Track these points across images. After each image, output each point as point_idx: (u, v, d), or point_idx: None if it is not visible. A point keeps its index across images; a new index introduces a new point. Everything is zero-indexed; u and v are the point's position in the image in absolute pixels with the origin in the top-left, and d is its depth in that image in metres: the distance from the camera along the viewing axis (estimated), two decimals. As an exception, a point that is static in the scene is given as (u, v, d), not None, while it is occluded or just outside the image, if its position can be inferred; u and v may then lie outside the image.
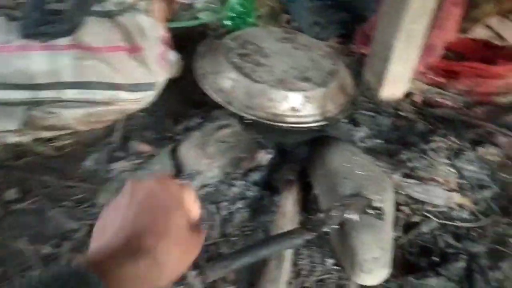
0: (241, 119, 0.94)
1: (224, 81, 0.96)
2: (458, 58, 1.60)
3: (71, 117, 1.01)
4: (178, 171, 0.95)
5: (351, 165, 0.89)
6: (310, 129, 0.95)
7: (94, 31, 0.97)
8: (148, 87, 1.04)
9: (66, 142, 1.06)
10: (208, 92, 0.96)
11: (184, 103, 1.19)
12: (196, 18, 1.42)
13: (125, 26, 1.01)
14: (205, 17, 1.62)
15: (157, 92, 1.08)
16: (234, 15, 1.58)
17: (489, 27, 1.64)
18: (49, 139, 1.06)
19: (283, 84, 0.93)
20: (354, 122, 1.21)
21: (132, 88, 1.02)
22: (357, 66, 1.46)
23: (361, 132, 1.18)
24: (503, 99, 1.41)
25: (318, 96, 0.95)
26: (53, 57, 0.95)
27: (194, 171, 0.92)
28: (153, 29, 1.07)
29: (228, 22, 1.59)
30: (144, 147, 1.04)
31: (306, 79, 0.96)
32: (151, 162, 0.99)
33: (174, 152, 0.99)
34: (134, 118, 1.14)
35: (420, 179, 0.99)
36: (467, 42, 1.63)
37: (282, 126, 0.92)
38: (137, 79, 1.02)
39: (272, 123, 0.91)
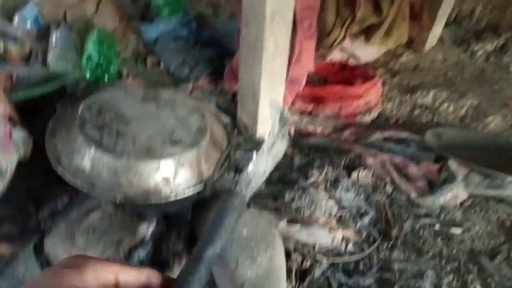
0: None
1: (82, 161, 0.86)
2: (322, 82, 1.71)
3: None
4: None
5: (236, 226, 0.86)
6: (188, 197, 0.90)
7: None
8: (-6, 176, 0.89)
9: None
10: (65, 176, 0.85)
11: (45, 182, 1.05)
12: (48, 79, 1.27)
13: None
14: (60, 70, 1.48)
15: (7, 179, 0.93)
16: (93, 66, 1.47)
17: (343, 49, 1.78)
18: None
19: (151, 153, 0.87)
20: (236, 169, 1.19)
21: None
22: (231, 105, 1.46)
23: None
24: (366, 119, 1.52)
25: (191, 159, 0.90)
26: None
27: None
28: (-11, 108, 0.92)
29: (88, 75, 1.47)
30: (3, 248, 0.88)
31: (175, 142, 0.91)
32: (13, 265, 0.84)
33: (39, 248, 0.85)
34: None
35: (305, 221, 1.01)
36: (327, 66, 1.75)
37: (156, 202, 0.85)
38: (-22, 170, 0.86)
39: (144, 202, 0.84)
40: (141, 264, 0.87)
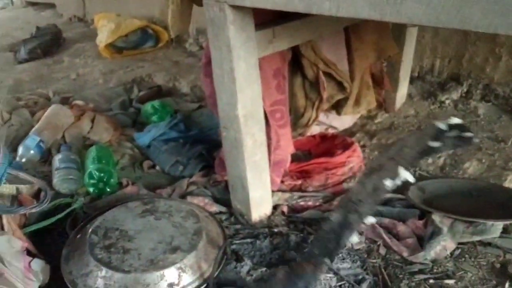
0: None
1: (96, 282, 0.95)
2: (307, 156, 1.84)
3: None
4: None
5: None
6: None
7: None
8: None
9: None
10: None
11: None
12: (55, 205, 1.39)
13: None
14: (65, 190, 1.61)
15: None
16: (95, 181, 1.60)
17: (320, 122, 1.93)
18: None
19: (155, 264, 0.97)
20: (237, 257, 1.27)
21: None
22: (226, 194, 1.57)
23: (245, 266, 1.24)
24: (351, 185, 1.63)
25: (191, 262, 1.00)
26: None
27: None
28: (9, 246, 1.03)
29: (91, 190, 1.60)
30: None
31: (175, 249, 1.01)
32: None
33: None
34: None
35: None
36: (310, 140, 1.89)
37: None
38: None
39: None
40: None
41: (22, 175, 1.28)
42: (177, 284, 0.96)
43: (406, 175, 0.94)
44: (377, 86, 1.96)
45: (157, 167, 1.81)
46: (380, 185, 0.92)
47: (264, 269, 1.24)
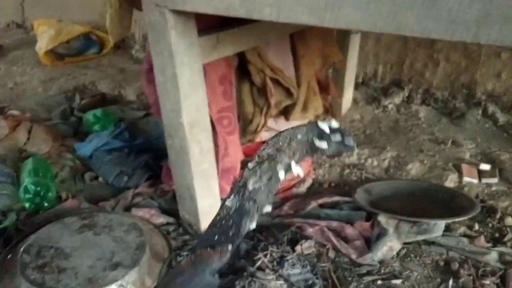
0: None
1: (28, 305, 0.88)
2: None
3: None
4: None
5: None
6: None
7: None
8: None
9: None
10: (12, 325, 0.87)
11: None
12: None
13: None
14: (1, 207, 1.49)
15: None
16: (31, 196, 1.50)
17: (269, 128, 1.93)
18: None
19: (93, 283, 0.91)
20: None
21: None
22: (173, 204, 1.52)
23: (193, 278, 1.20)
24: (302, 189, 1.64)
25: (133, 279, 0.95)
26: None
27: None
28: None
29: (27, 205, 1.49)
30: None
31: (116, 266, 0.96)
32: None
33: None
34: None
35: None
36: (258, 146, 1.87)
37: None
38: None
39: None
40: None
41: None
42: (119, 303, 0.90)
43: (297, 169, 0.96)
44: (323, 92, 1.99)
45: (100, 179, 1.73)
46: (274, 174, 0.93)
47: (213, 280, 1.20)
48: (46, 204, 1.50)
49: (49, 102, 2.48)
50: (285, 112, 1.84)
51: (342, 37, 1.98)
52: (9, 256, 1.01)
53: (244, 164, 1.63)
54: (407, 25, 0.75)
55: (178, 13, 1.09)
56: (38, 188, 1.50)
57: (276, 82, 1.67)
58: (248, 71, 1.61)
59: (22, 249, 0.98)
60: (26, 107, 2.39)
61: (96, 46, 3.39)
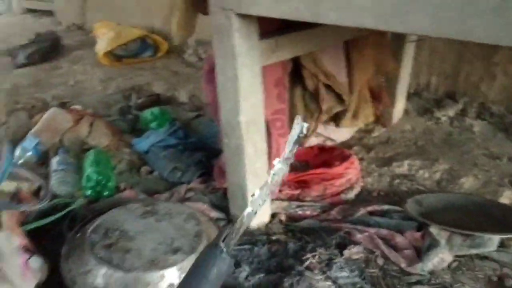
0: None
1: (95, 280, 0.95)
2: (305, 167, 1.85)
3: None
4: None
5: None
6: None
7: None
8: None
9: None
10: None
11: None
12: (55, 205, 1.38)
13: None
14: (62, 192, 1.60)
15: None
16: (93, 184, 1.59)
17: (318, 134, 1.95)
18: None
19: (156, 264, 0.96)
20: (235, 263, 1.27)
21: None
22: (224, 201, 1.57)
23: (243, 272, 1.24)
24: (350, 195, 1.64)
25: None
26: None
27: None
28: (7, 243, 1.02)
29: (88, 193, 1.59)
30: None
31: (176, 251, 1.01)
32: None
33: None
34: None
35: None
36: (307, 151, 1.90)
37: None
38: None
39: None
40: None
41: (23, 172, 1.27)
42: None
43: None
44: (375, 101, 1.99)
45: (155, 173, 1.81)
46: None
47: (262, 275, 1.24)
48: (106, 193, 1.59)
49: (108, 100, 2.62)
50: (336, 119, 1.86)
51: (396, 46, 1.97)
52: (77, 235, 1.09)
53: (292, 168, 1.66)
54: (475, 32, 0.76)
55: (243, 16, 1.14)
56: (100, 177, 1.59)
57: (328, 88, 1.69)
58: (301, 75, 1.65)
59: (90, 229, 1.06)
60: (87, 104, 2.54)
61: (151, 49, 3.54)
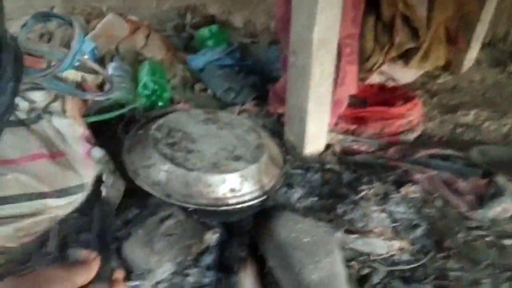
0: (182, 208, 0.93)
1: (158, 174, 0.94)
2: (362, 104, 1.77)
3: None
4: (127, 272, 0.89)
5: (297, 234, 0.92)
6: (252, 206, 0.97)
7: (9, 143, 0.91)
8: (77, 189, 0.98)
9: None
10: (144, 187, 0.94)
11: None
12: (112, 106, 1.38)
13: (42, 132, 0.96)
14: (118, 98, 1.59)
15: (87, 192, 1.03)
16: (149, 92, 1.58)
17: (382, 72, 1.84)
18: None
19: (218, 167, 0.95)
20: (288, 185, 1.25)
21: (60, 194, 0.96)
22: (277, 126, 1.54)
23: (296, 193, 1.22)
24: (409, 137, 1.57)
25: (253, 173, 0.97)
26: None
27: (144, 270, 0.87)
28: (71, 130, 1.03)
29: (143, 100, 1.58)
30: (85, 253, 0.96)
31: (238, 158, 0.99)
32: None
33: (118, 252, 0.93)
34: (68, 221, 1.05)
35: (360, 232, 1.05)
36: (367, 88, 1.81)
37: (224, 209, 0.92)
38: (64, 183, 0.96)
39: (214, 208, 0.91)
40: (208, 269, 0.93)
41: (90, 63, 1.26)
42: (239, 190, 0.94)
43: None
44: (450, 44, 1.84)
45: (209, 91, 1.78)
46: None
47: (314, 199, 1.22)
48: (160, 103, 1.58)
49: (162, 16, 2.56)
50: (405, 57, 1.74)
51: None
52: (140, 132, 1.08)
53: (349, 103, 1.59)
54: None
55: None
56: (156, 87, 1.57)
57: (405, 20, 1.57)
58: (378, 3, 1.52)
59: (154, 127, 1.04)
60: (142, 17, 2.49)
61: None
